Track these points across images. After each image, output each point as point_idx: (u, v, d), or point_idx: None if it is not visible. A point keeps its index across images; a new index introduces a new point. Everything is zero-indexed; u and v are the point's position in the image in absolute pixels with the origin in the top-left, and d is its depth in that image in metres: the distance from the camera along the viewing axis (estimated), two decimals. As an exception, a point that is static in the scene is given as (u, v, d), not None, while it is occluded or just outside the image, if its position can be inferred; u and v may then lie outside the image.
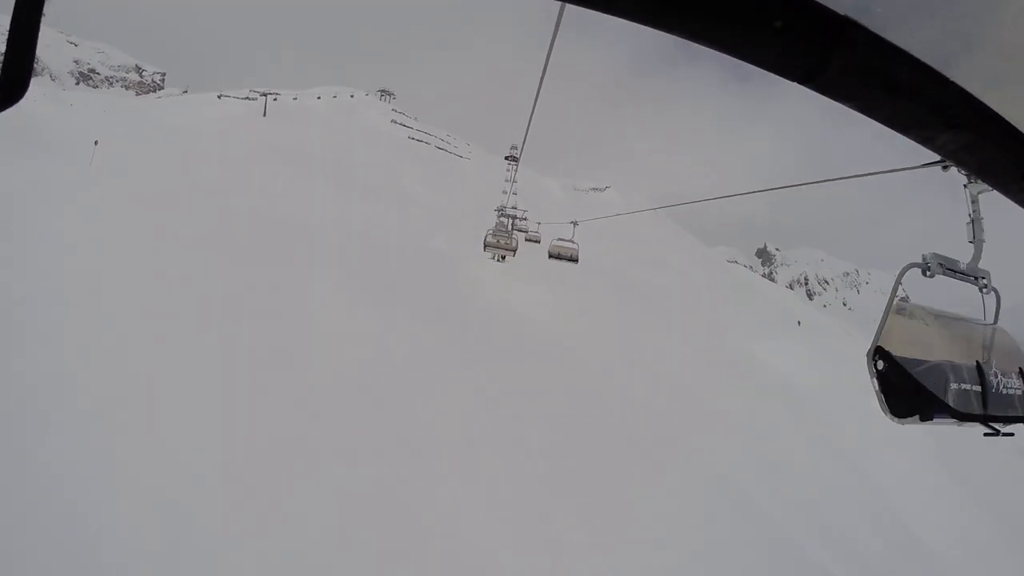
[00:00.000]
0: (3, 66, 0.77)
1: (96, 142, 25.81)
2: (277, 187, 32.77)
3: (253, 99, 75.72)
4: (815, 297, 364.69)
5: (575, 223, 17.51)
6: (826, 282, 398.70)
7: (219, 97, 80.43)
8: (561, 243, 18.72)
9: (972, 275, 2.20)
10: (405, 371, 14.70)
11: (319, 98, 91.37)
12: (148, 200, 20.73)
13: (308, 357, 13.33)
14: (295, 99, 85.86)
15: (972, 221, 2.36)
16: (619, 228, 52.93)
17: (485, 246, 20.41)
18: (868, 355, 1.87)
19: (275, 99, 79.16)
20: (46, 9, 0.79)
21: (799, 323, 46.91)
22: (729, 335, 33.94)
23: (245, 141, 44.52)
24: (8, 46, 0.77)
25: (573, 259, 18.55)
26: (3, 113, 0.80)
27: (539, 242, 25.90)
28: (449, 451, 11.91)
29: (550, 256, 18.71)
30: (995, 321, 2.27)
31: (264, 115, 65.03)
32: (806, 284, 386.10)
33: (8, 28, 0.76)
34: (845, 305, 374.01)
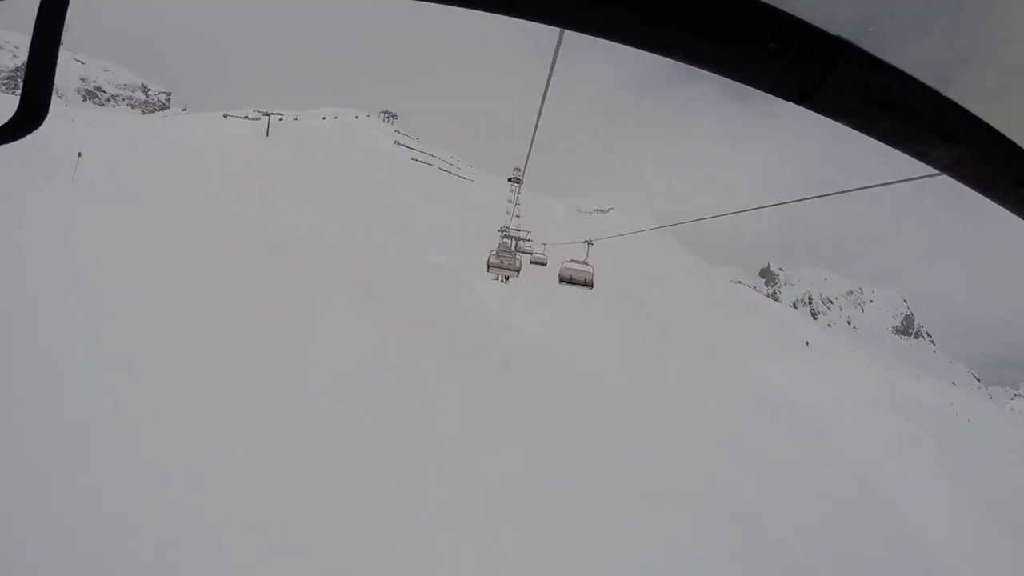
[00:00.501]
0: (23, 93, 0.78)
1: (80, 154, 25.30)
2: (276, 205, 32.54)
3: (256, 119, 76.11)
4: (819, 316, 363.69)
5: (589, 243, 15.78)
6: (830, 301, 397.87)
7: (225, 116, 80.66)
8: (574, 265, 16.64)
9: None
10: (403, 382, 14.57)
11: (324, 119, 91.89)
12: (144, 214, 20.41)
13: (305, 370, 13.14)
14: (295, 119, 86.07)
15: None
16: (624, 248, 52.59)
17: (489, 267, 19.90)
18: None
19: (280, 119, 79.56)
20: (63, 38, 0.79)
21: (807, 343, 46.35)
22: (736, 355, 33.49)
23: (247, 160, 44.51)
24: (27, 74, 0.78)
25: (588, 284, 16.47)
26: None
27: (545, 264, 24.38)
28: (446, 466, 11.72)
29: (561, 280, 16.55)
30: None
31: (267, 135, 65.18)
32: (810, 303, 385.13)
33: (27, 56, 0.77)
34: (850, 324, 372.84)
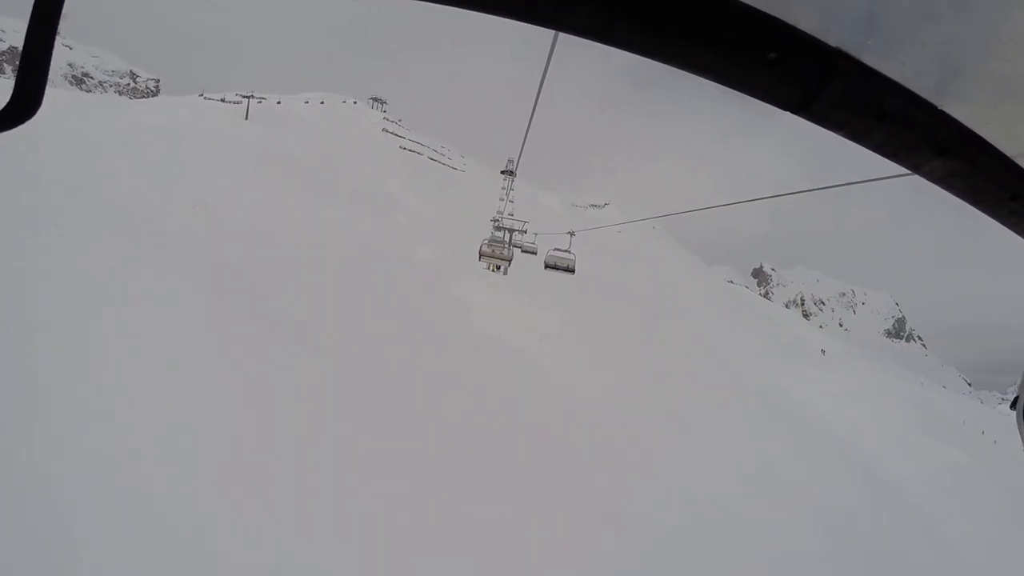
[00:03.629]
0: (17, 83, 0.77)
1: None
2: (240, 193, 29.12)
3: (237, 102, 71.98)
4: (811, 317, 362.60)
5: (572, 233, 11.27)
6: (822, 303, 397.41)
7: (222, 100, 76.57)
8: (558, 253, 16.33)
9: None
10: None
11: (307, 102, 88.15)
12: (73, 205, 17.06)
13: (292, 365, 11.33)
14: (278, 103, 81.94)
15: None
16: (623, 245, 50.13)
17: (480, 255, 19.77)
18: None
19: (278, 103, 75.88)
20: (60, 27, 0.78)
21: (823, 352, 43.32)
22: (748, 366, 30.29)
23: (219, 143, 40.93)
24: (22, 63, 0.77)
25: (570, 269, 12.02)
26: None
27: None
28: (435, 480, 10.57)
29: (546, 267, 11.83)
30: None
31: (246, 118, 61.37)
32: (802, 304, 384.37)
33: (23, 45, 0.76)
34: (841, 326, 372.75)
